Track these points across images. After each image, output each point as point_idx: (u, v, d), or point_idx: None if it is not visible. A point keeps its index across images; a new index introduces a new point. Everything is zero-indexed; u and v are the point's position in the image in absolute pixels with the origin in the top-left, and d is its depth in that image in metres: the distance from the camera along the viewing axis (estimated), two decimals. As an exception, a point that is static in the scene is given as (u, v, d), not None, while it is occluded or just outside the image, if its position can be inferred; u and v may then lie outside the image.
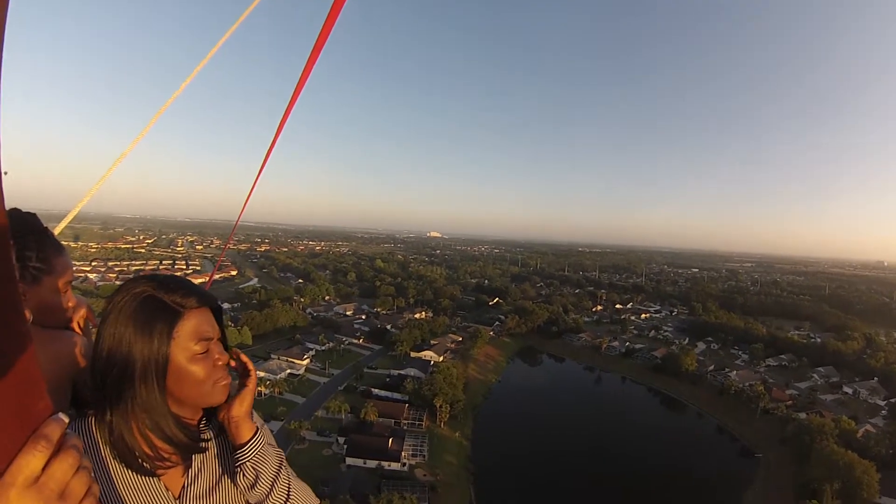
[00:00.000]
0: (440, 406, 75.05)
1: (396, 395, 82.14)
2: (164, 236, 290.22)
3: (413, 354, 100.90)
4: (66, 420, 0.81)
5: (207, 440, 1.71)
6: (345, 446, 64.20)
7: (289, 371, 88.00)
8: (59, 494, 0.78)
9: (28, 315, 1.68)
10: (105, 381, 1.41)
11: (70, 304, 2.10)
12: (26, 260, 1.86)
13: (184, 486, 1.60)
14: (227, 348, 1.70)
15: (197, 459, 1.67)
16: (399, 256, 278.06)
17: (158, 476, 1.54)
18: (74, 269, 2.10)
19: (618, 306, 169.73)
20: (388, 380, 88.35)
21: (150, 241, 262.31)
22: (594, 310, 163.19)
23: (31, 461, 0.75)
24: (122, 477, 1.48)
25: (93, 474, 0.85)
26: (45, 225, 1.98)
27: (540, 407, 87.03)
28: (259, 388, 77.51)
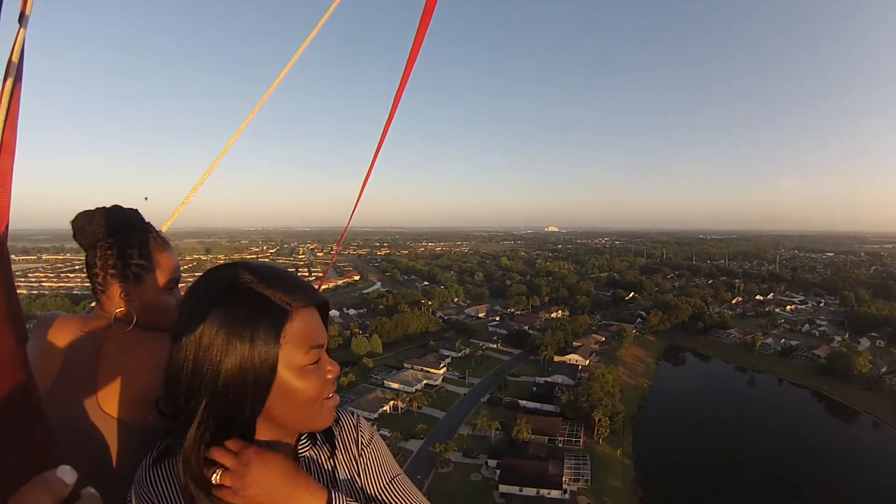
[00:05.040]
0: (599, 420, 64.58)
1: (547, 407, 72.66)
2: (285, 245, 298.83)
3: (557, 358, 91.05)
4: (67, 480, 0.58)
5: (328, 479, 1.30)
6: (497, 471, 55.45)
7: (425, 382, 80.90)
8: None
9: (131, 316, 1.78)
10: (184, 400, 1.05)
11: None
12: (128, 258, 1.77)
13: None
14: None
15: None
16: (522, 253, 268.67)
17: None
18: None
19: (758, 297, 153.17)
20: (535, 389, 78.93)
21: (273, 251, 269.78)
22: (734, 302, 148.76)
23: None
24: None
25: None
26: (147, 221, 1.90)
27: (698, 415, 75.39)
28: (395, 403, 71.01)
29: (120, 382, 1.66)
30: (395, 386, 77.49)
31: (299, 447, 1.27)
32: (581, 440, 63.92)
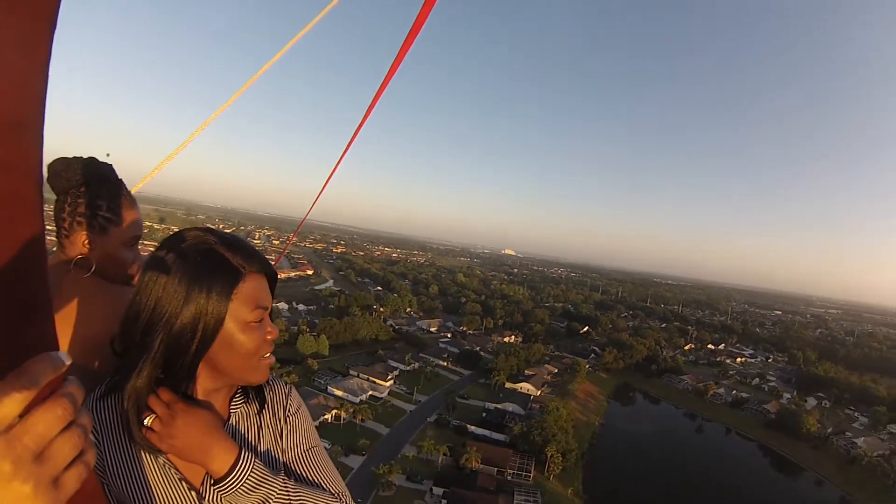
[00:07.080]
0: (552, 456, 61.53)
1: (497, 436, 69.37)
2: (242, 228, 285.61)
3: (508, 385, 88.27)
4: (66, 362, 0.58)
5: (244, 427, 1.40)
6: (443, 500, 51.54)
7: (370, 392, 76.25)
8: (36, 454, 0.53)
9: (91, 263, 1.82)
10: (140, 337, 1.18)
11: (136, 262, 2.01)
12: (96, 209, 1.82)
13: (206, 480, 1.27)
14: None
15: None
16: (478, 272, 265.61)
17: (173, 463, 1.26)
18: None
19: (710, 346, 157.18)
20: (484, 415, 75.66)
21: (228, 231, 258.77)
22: (686, 348, 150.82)
23: (3, 404, 0.51)
24: (135, 459, 1.24)
25: (91, 438, 0.61)
26: (119, 178, 1.95)
27: (649, 458, 74.63)
28: (337, 412, 66.01)
29: (73, 325, 1.66)
30: (339, 393, 72.64)
31: (233, 402, 1.39)
32: (531, 475, 61.03)
